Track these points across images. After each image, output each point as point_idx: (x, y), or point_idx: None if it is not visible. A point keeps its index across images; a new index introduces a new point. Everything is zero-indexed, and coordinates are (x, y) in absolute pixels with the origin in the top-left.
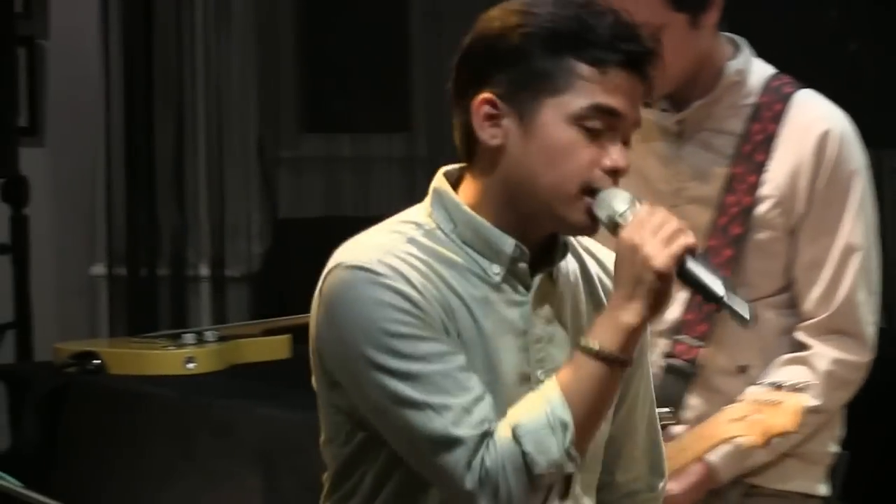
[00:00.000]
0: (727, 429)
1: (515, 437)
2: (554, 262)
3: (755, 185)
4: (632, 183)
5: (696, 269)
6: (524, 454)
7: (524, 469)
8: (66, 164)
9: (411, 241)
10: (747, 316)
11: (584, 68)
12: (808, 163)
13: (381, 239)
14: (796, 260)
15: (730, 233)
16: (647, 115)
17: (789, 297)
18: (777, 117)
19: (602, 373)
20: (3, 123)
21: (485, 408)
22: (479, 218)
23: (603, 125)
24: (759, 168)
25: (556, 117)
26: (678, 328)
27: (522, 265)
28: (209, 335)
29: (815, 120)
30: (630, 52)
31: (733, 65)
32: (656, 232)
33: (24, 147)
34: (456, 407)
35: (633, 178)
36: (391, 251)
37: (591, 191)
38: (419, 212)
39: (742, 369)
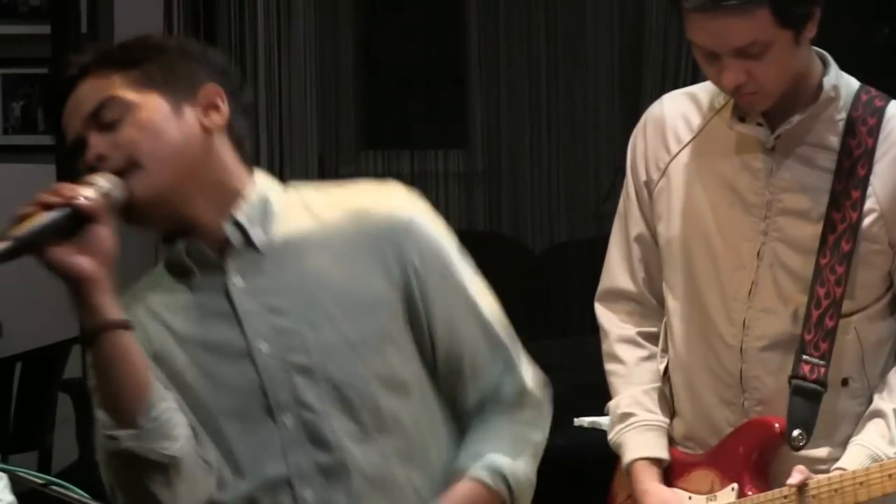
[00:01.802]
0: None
1: None
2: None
3: (860, 201)
4: (719, 195)
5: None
6: None
7: None
8: None
9: None
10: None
11: None
12: None
13: None
14: None
15: (841, 249)
16: (742, 129)
17: (883, 306)
18: (873, 131)
19: None
20: None
21: None
22: None
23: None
24: (862, 183)
25: None
26: (802, 348)
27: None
28: None
29: None
30: None
31: (829, 80)
32: None
33: None
34: None
35: (722, 189)
36: None
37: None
38: None
39: (844, 382)
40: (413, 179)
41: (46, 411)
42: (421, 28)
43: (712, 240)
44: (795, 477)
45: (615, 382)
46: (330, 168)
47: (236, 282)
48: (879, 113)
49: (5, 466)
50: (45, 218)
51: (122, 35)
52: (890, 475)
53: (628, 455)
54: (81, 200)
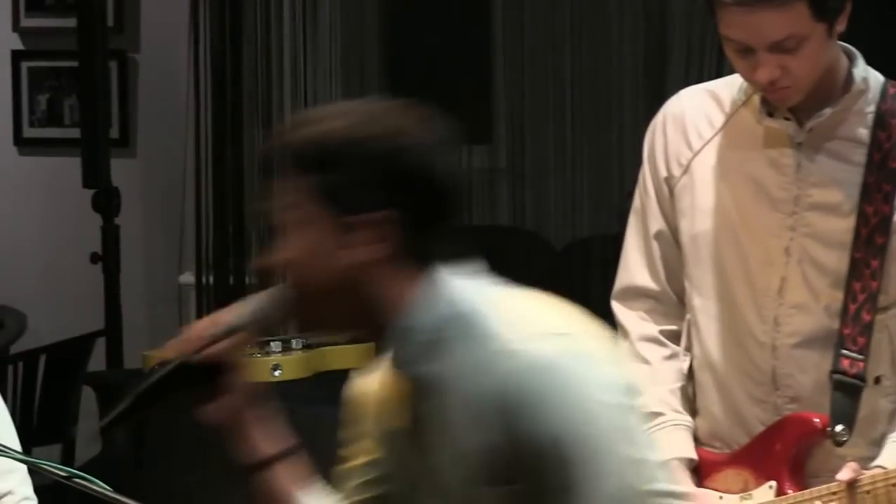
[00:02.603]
0: None
1: None
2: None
3: (891, 194)
4: (744, 191)
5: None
6: None
7: None
8: (156, 175)
9: None
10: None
11: None
12: None
13: None
14: None
15: (875, 243)
16: (771, 123)
17: None
18: None
19: None
20: (96, 135)
21: None
22: None
23: None
24: (894, 176)
25: None
26: (841, 342)
27: None
28: (295, 343)
29: None
30: None
31: (858, 72)
32: None
33: (115, 158)
34: None
35: (747, 184)
36: None
37: None
38: None
39: (877, 380)
40: None
41: (70, 404)
42: (445, 25)
43: (739, 236)
44: (845, 473)
45: (639, 382)
46: None
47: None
48: None
49: (29, 459)
50: (156, 379)
51: (148, 28)
52: None
53: None
54: (203, 355)
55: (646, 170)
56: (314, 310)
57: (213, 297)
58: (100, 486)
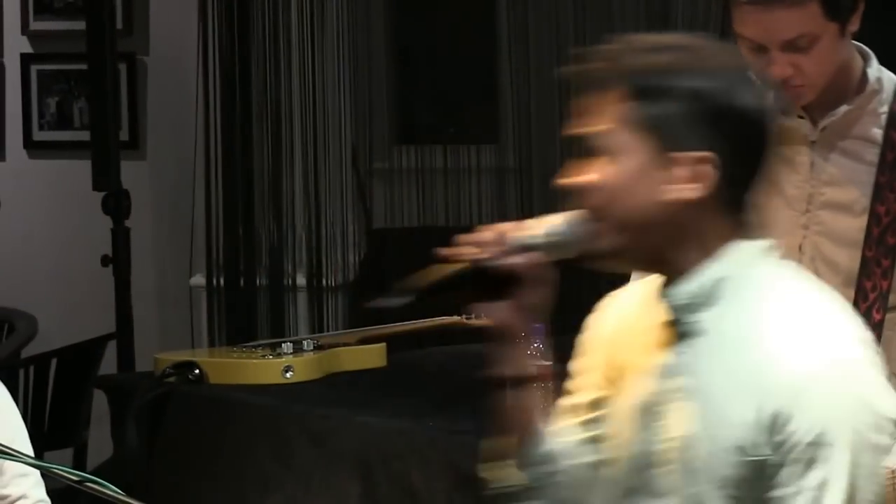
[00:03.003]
0: None
1: None
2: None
3: None
4: None
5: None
6: None
7: None
8: (166, 177)
9: None
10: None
11: None
12: None
13: None
14: None
15: (886, 242)
16: (784, 122)
17: None
18: None
19: None
20: (105, 138)
21: None
22: None
23: None
24: None
25: None
26: None
27: None
28: (307, 344)
29: None
30: None
31: (872, 72)
32: None
33: (125, 161)
34: None
35: None
36: None
37: None
38: None
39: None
40: (446, 174)
41: (81, 408)
42: (452, 25)
43: None
44: None
45: None
46: (363, 163)
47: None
48: None
49: (41, 463)
50: (449, 274)
51: (157, 31)
52: None
53: None
54: (496, 262)
55: None
56: (616, 239)
57: (224, 299)
58: (112, 490)
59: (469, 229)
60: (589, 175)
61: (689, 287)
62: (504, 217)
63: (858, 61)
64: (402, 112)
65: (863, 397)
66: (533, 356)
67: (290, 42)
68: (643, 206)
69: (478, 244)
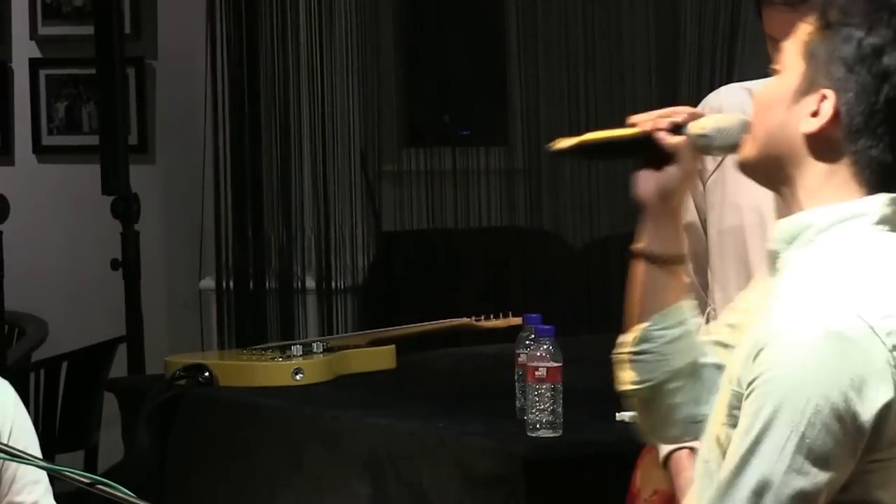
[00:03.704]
0: None
1: None
2: None
3: None
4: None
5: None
6: None
7: None
8: (175, 181)
9: None
10: None
11: None
12: None
13: None
14: None
15: None
16: None
17: None
18: None
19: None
20: (114, 142)
21: None
22: None
23: None
24: None
25: None
26: None
27: None
28: (316, 346)
29: None
30: None
31: None
32: None
33: (134, 165)
34: None
35: None
36: None
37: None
38: None
39: None
40: (455, 176)
41: (92, 411)
42: (461, 27)
43: (763, 233)
44: None
45: None
46: (372, 166)
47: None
48: None
49: (52, 465)
50: (618, 134)
51: (165, 35)
52: None
53: (667, 447)
54: (661, 134)
55: None
56: (751, 151)
57: (234, 302)
58: (123, 493)
59: (477, 231)
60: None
61: (786, 224)
62: (513, 219)
63: None
64: (411, 115)
65: (837, 376)
66: (675, 237)
67: (299, 45)
68: (774, 126)
69: (656, 117)
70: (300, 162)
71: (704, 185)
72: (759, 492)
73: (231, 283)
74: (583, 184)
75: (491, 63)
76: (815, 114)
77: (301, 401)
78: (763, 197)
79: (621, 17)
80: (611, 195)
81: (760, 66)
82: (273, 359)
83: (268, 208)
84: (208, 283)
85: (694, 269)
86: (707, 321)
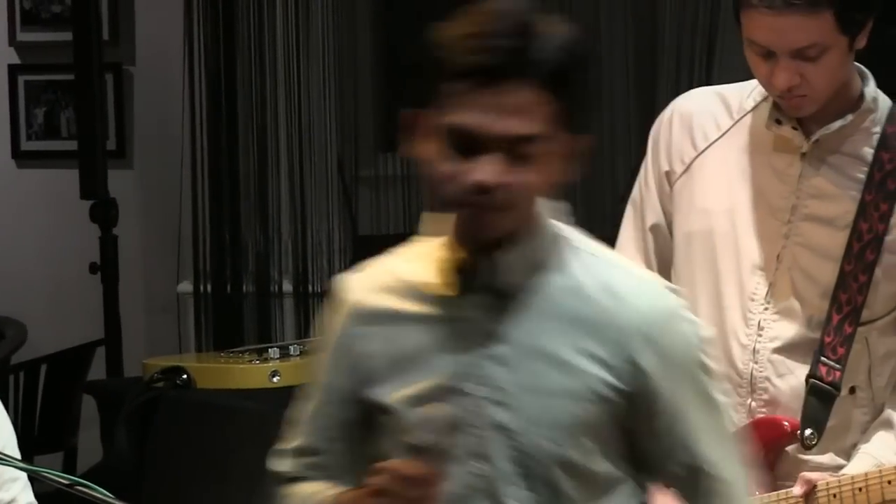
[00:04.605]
0: None
1: None
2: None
3: (888, 213)
4: (744, 195)
5: None
6: None
7: None
8: (153, 186)
9: None
10: None
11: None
12: None
13: None
14: None
15: (865, 258)
16: (779, 131)
17: (893, 319)
18: None
19: None
20: (93, 147)
21: None
22: None
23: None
24: (892, 196)
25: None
26: (821, 350)
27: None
28: (293, 349)
29: None
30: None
31: (869, 91)
32: None
33: (112, 169)
34: None
35: (747, 189)
36: None
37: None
38: None
39: (852, 390)
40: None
41: (71, 413)
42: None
43: (734, 239)
44: (800, 486)
45: None
46: (349, 170)
47: (477, 316)
48: None
49: (30, 466)
50: None
51: (143, 41)
52: (889, 481)
53: None
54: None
55: (648, 162)
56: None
57: (211, 306)
58: (101, 493)
59: None
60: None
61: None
62: None
63: (857, 80)
64: (388, 120)
65: (693, 332)
66: None
67: (276, 50)
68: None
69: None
70: (277, 166)
71: (672, 186)
72: None
73: (208, 287)
74: (560, 189)
75: None
76: None
77: (278, 403)
78: (731, 203)
79: (599, 22)
80: (586, 199)
81: (738, 73)
82: (250, 361)
83: (245, 212)
84: (186, 286)
85: (658, 270)
86: None
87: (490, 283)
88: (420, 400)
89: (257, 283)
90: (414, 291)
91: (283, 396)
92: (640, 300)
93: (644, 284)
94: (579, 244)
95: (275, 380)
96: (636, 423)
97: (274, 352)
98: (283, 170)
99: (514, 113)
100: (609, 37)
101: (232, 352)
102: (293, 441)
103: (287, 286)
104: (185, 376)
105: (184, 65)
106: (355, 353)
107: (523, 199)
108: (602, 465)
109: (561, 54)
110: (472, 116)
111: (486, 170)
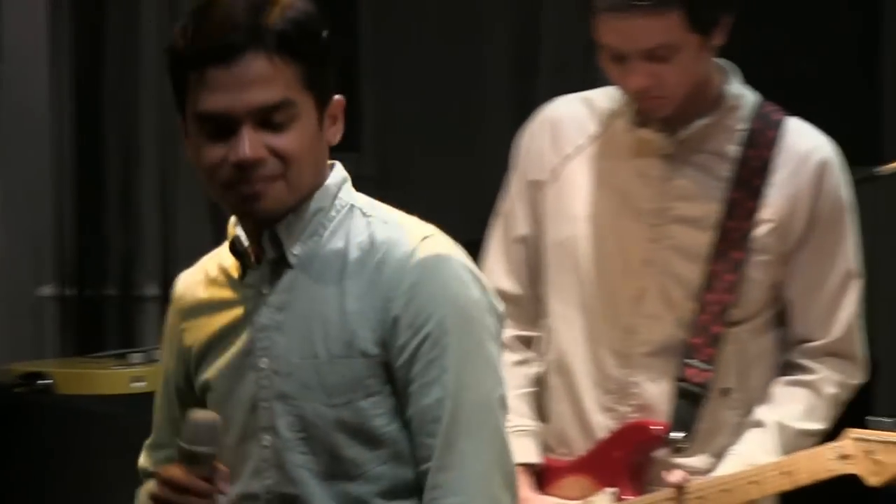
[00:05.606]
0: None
1: None
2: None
3: (753, 210)
4: (610, 200)
5: None
6: None
7: None
8: (15, 187)
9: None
10: None
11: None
12: (807, 189)
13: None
14: (791, 283)
15: (731, 257)
16: (641, 134)
17: (767, 319)
18: (771, 144)
19: None
20: None
21: None
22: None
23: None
24: (757, 193)
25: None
26: (688, 352)
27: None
28: (156, 354)
29: (812, 149)
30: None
31: (731, 89)
32: None
33: None
34: None
35: (614, 194)
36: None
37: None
38: None
39: (725, 392)
40: None
41: None
42: None
43: (603, 245)
44: (675, 476)
45: None
46: None
47: (264, 290)
48: (778, 126)
49: None
50: None
51: (7, 37)
52: (787, 472)
53: None
54: None
55: (515, 173)
56: None
57: (74, 310)
58: None
59: None
60: None
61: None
62: None
63: (717, 77)
64: None
65: (465, 288)
66: None
67: (145, 49)
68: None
69: None
70: (145, 168)
71: (540, 195)
72: None
73: (71, 291)
74: (435, 191)
75: (343, 70)
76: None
77: (140, 409)
78: (598, 209)
79: (480, 24)
80: (463, 202)
81: None
82: (112, 366)
83: (110, 215)
84: (48, 290)
85: (529, 281)
86: (545, 336)
87: (272, 257)
88: (227, 379)
89: (121, 286)
90: (229, 278)
91: (146, 401)
92: (403, 256)
93: (408, 238)
94: (371, 211)
95: (137, 385)
96: (398, 376)
97: (137, 357)
98: (152, 171)
99: (254, 84)
100: (488, 40)
101: (94, 357)
102: (151, 437)
103: (152, 290)
104: (46, 381)
105: (49, 63)
106: (183, 347)
107: (289, 167)
108: (380, 425)
109: (287, 23)
110: (217, 98)
111: (243, 146)
